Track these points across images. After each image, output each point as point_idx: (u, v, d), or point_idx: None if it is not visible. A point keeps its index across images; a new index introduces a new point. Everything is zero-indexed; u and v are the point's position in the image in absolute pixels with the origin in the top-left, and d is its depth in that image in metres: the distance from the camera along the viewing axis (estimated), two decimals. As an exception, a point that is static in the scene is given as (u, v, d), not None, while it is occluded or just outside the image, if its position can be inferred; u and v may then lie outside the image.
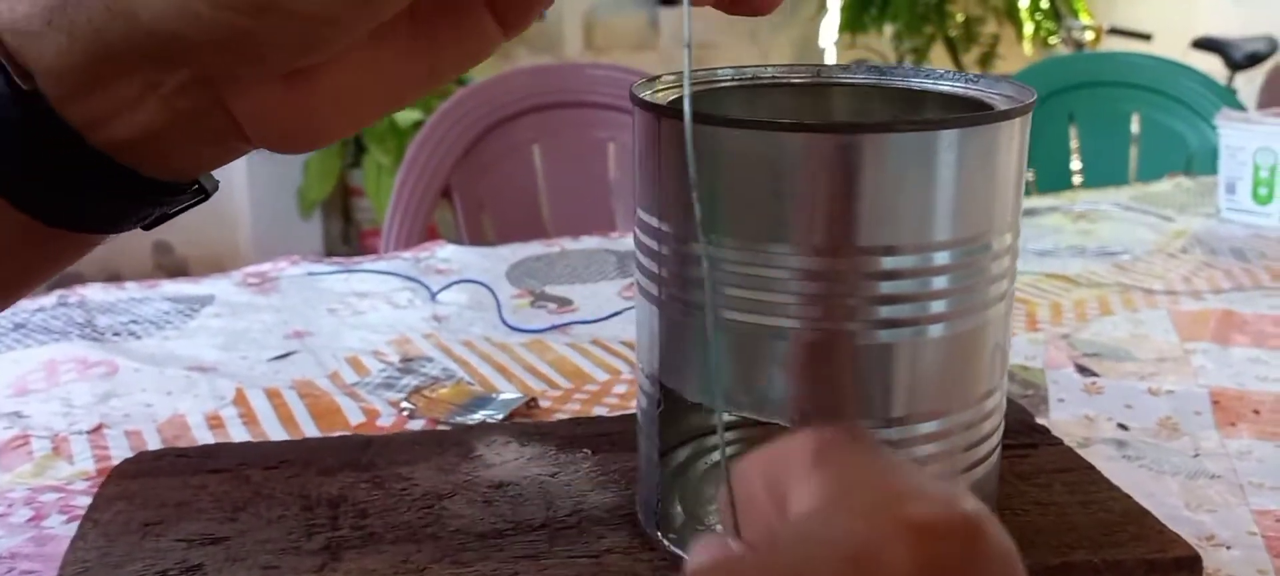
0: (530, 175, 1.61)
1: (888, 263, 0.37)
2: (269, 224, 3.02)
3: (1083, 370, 0.75)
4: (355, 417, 0.67)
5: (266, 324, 0.84)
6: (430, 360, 0.77)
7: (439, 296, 0.90)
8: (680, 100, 0.43)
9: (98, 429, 0.65)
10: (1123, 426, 0.66)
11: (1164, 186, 1.32)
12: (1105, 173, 1.80)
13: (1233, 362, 0.77)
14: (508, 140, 1.58)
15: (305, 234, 3.22)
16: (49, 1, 0.35)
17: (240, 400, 0.69)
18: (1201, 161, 1.77)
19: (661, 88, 0.43)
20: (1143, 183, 1.37)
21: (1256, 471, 0.62)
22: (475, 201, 1.55)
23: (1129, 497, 0.45)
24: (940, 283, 0.37)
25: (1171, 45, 3.09)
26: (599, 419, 0.54)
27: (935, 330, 0.38)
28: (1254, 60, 3.09)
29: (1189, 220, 1.15)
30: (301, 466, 0.48)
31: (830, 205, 0.36)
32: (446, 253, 1.03)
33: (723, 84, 0.45)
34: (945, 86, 0.43)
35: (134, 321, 0.82)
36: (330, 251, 3.31)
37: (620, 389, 0.72)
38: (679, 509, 0.45)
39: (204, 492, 0.46)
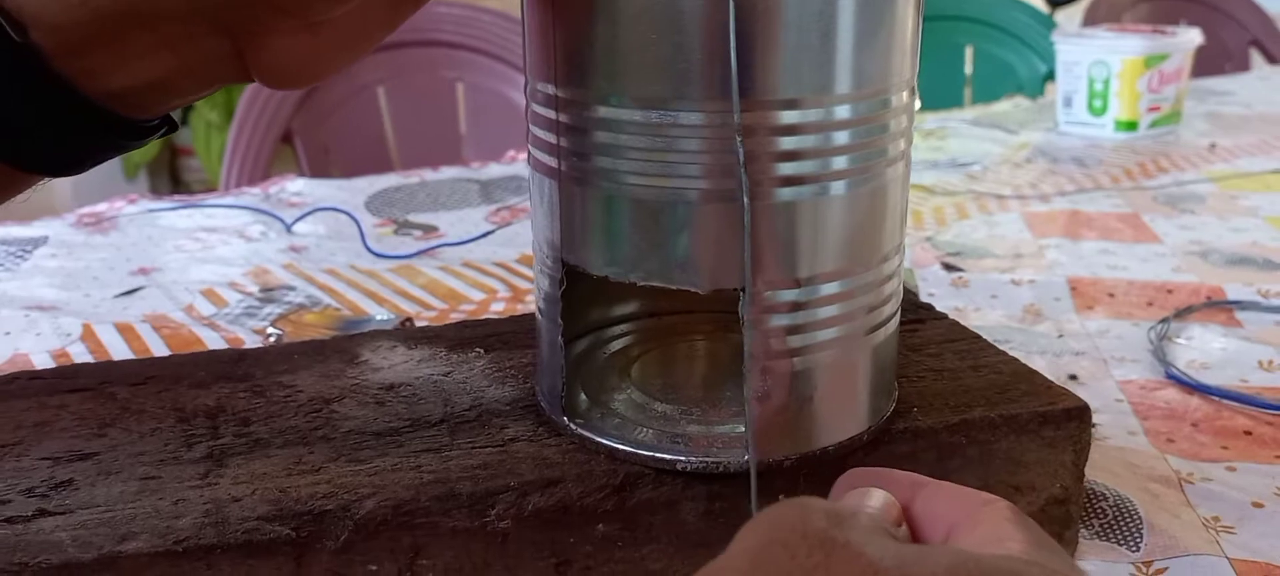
0: (376, 117, 1.56)
1: (790, 117, 0.36)
2: (90, 189, 2.83)
3: (948, 267, 0.77)
4: (217, 347, 0.63)
5: (108, 261, 0.78)
6: (292, 288, 0.73)
7: (295, 227, 0.86)
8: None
9: (-72, 371, 0.59)
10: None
11: (1004, 105, 1.37)
12: (943, 101, 1.86)
13: (1084, 254, 0.80)
14: (351, 82, 1.52)
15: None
16: None
17: (88, 336, 0.65)
18: (1030, 89, 1.85)
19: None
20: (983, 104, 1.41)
21: (1116, 347, 0.64)
22: (319, 147, 1.49)
23: (1017, 360, 0.46)
24: (842, 138, 0.37)
25: (994, -15, 3.20)
26: (489, 320, 0.52)
27: (838, 188, 0.38)
28: (1070, -2, 3.24)
29: (1031, 134, 1.20)
30: (171, 381, 0.45)
31: (728, 60, 0.35)
32: (297, 186, 0.98)
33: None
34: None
35: (-42, 264, 0.76)
36: (159, 215, 3.12)
37: (498, 306, 0.70)
38: (583, 396, 0.43)
39: (65, 412, 0.43)
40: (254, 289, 0.73)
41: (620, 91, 0.36)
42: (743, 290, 0.37)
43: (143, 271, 0.76)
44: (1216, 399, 0.57)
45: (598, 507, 0.38)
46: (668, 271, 0.37)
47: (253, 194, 0.96)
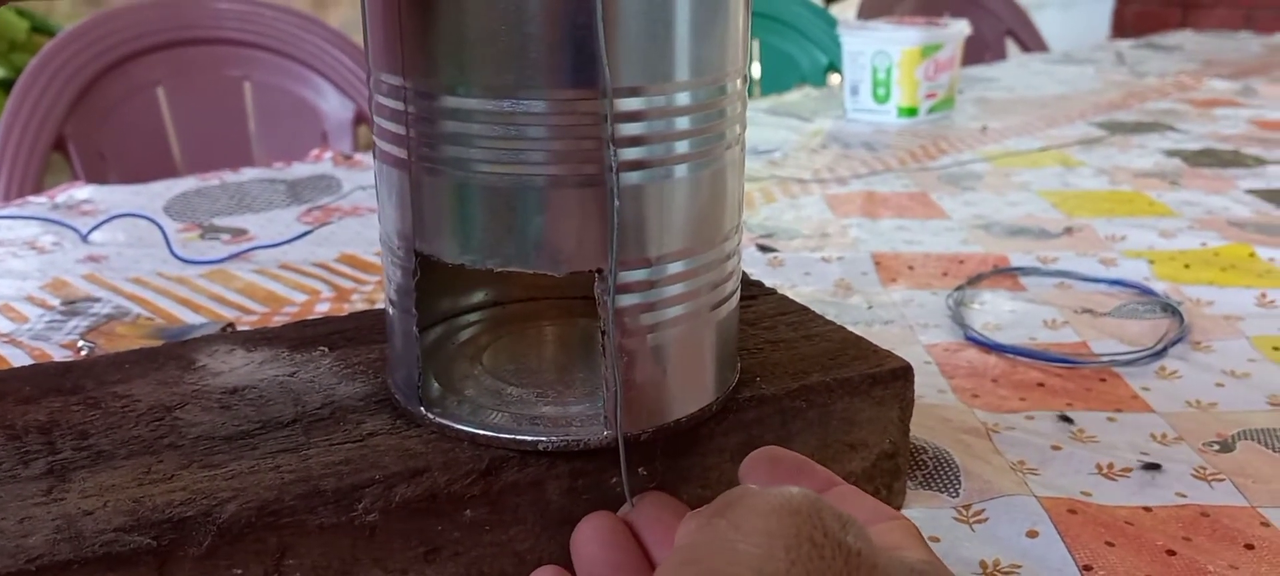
0: (157, 118, 1.48)
1: (637, 104, 0.37)
2: None
3: (763, 248, 0.81)
4: (25, 364, 0.59)
5: (-119, 281, 0.72)
6: (98, 300, 0.69)
7: (92, 236, 0.81)
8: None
9: None
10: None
11: (795, 96, 1.44)
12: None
13: (882, 231, 0.86)
14: (127, 82, 1.44)
15: None
16: None
17: None
18: (813, 79, 1.94)
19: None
20: (774, 94, 1.48)
21: (919, 314, 0.69)
22: (94, 151, 1.41)
23: (845, 329, 0.50)
24: (684, 123, 0.39)
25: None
26: (330, 318, 0.51)
27: (682, 171, 0.39)
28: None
29: (823, 121, 1.26)
30: (-8, 399, 0.43)
31: (578, 48, 0.36)
32: (86, 193, 0.93)
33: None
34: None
35: None
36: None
37: (323, 307, 0.69)
38: (437, 386, 0.44)
39: (-127, 438, 0.39)
40: (55, 302, 0.69)
41: (469, 81, 0.37)
42: (598, 272, 0.38)
43: (-78, 290, 0.71)
44: (1011, 356, 0.63)
45: (465, 493, 0.38)
46: (524, 256, 0.38)
47: (38, 203, 0.90)
